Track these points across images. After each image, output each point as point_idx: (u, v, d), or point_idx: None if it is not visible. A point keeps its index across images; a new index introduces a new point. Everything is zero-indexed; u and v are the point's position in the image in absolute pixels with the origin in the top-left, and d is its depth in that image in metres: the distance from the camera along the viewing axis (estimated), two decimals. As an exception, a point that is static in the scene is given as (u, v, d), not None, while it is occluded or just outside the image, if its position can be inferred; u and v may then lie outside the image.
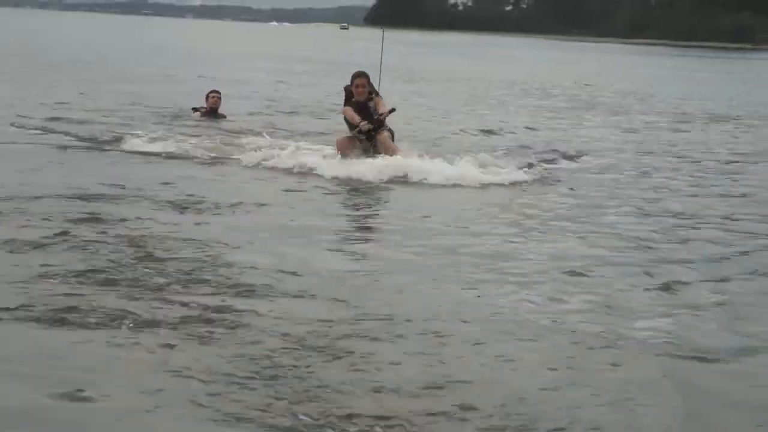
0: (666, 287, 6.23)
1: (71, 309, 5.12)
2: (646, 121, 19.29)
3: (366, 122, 10.91)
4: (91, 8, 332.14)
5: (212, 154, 11.34)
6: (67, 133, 12.57)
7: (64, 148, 11.47)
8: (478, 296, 5.91)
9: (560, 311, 5.64)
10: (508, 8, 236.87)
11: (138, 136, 12.21)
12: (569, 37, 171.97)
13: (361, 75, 11.26)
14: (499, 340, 5.08)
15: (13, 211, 7.49)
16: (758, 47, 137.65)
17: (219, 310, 5.24)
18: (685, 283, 6.35)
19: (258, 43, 69.13)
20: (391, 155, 10.72)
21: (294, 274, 6.14)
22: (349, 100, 11.28)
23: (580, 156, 13.04)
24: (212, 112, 14.99)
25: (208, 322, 5.03)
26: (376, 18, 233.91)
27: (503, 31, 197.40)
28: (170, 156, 11.12)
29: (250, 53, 48.59)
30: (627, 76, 42.75)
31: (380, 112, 11.00)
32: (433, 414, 3.99)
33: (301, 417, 3.90)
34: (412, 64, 41.30)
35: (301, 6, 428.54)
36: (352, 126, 11.06)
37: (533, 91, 28.01)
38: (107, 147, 11.66)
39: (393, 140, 11.15)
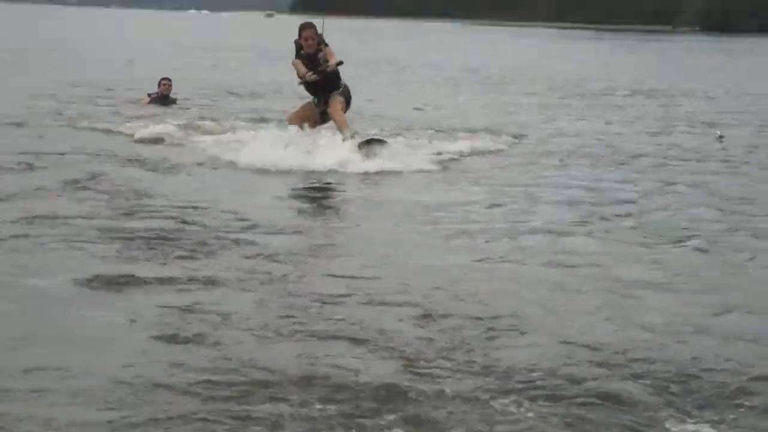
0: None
1: None
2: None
3: (311, 72, 10.93)
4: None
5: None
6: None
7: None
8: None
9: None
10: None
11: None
12: (494, 21, 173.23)
13: (308, 27, 11.26)
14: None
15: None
16: (676, 30, 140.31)
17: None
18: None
19: (183, 33, 68.26)
20: (339, 127, 10.89)
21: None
22: (298, 53, 11.24)
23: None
24: (164, 98, 16.34)
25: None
26: (302, 5, 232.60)
27: (429, 17, 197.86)
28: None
29: (178, 42, 48.29)
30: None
31: (329, 63, 10.98)
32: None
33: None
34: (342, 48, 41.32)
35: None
36: (300, 78, 11.10)
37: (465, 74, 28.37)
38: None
39: (348, 105, 11.27)
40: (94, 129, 12.88)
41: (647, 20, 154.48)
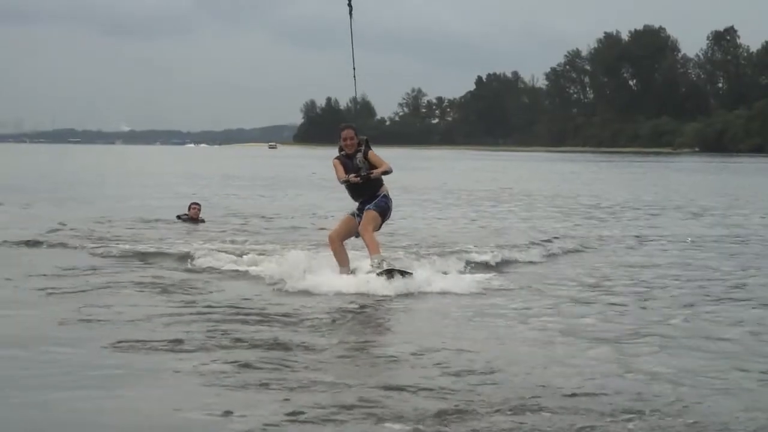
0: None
1: None
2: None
3: (354, 175, 11.17)
4: (19, 139, 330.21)
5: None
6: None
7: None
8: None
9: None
10: (435, 121, 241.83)
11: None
12: (496, 147, 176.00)
13: (347, 127, 11.59)
14: None
15: None
16: (677, 151, 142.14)
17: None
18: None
19: (192, 164, 69.81)
20: (369, 251, 11.13)
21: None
22: (340, 152, 11.54)
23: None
24: (193, 220, 18.64)
25: None
26: (306, 136, 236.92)
27: (431, 144, 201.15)
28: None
29: (190, 173, 50.12)
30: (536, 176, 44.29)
31: (374, 171, 11.25)
32: None
33: None
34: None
35: (230, 127, 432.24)
36: (341, 179, 11.34)
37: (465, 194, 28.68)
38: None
39: (386, 216, 11.43)
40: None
41: (645, 144, 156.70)
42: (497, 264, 13.04)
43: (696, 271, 12.64)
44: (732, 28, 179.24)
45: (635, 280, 11.82)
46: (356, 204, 11.50)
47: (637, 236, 17.31)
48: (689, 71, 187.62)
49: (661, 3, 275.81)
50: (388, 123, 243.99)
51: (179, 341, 7.74)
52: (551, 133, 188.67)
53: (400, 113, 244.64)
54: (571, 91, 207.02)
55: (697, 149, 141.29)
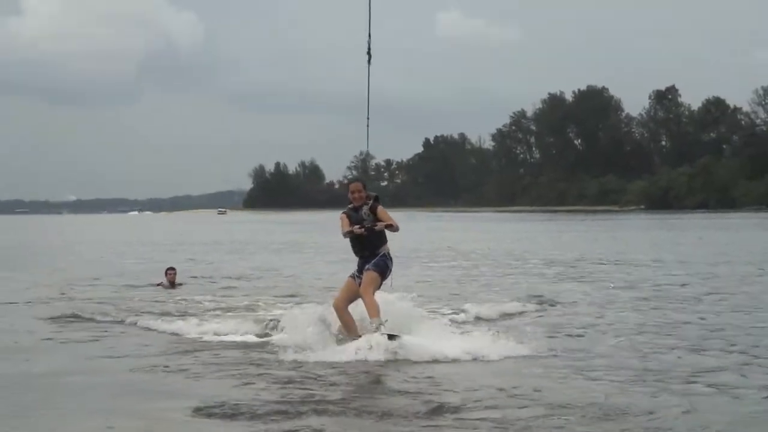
0: None
1: None
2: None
3: (359, 226, 11.32)
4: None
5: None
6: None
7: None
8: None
9: None
10: (383, 183, 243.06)
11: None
12: (446, 208, 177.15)
13: (355, 181, 11.99)
14: None
15: None
16: (623, 209, 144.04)
17: None
18: None
19: (150, 232, 69.91)
20: (368, 313, 11.04)
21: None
22: (347, 206, 11.73)
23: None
24: (171, 284, 19.60)
25: None
26: (255, 201, 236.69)
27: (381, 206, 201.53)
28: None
29: (148, 240, 51.40)
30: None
31: (378, 223, 11.37)
32: None
33: None
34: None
35: (178, 194, 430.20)
36: (346, 231, 11.44)
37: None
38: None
39: (386, 275, 11.42)
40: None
41: (591, 202, 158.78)
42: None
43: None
44: (673, 87, 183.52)
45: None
46: (357, 261, 11.61)
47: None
48: (633, 130, 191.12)
49: (604, 63, 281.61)
50: (336, 186, 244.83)
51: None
52: (500, 193, 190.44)
53: (349, 176, 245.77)
54: (518, 151, 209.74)
55: (642, 207, 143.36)
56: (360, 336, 10.98)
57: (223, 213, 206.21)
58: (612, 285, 19.02)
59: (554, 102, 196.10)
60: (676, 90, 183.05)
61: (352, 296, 11.44)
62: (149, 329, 13.45)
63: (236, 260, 30.69)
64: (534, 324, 13.28)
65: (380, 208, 11.52)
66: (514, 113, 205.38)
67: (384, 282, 11.47)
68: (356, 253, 11.58)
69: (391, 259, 11.54)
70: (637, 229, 60.68)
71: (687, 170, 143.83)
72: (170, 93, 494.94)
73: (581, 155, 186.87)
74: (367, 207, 11.50)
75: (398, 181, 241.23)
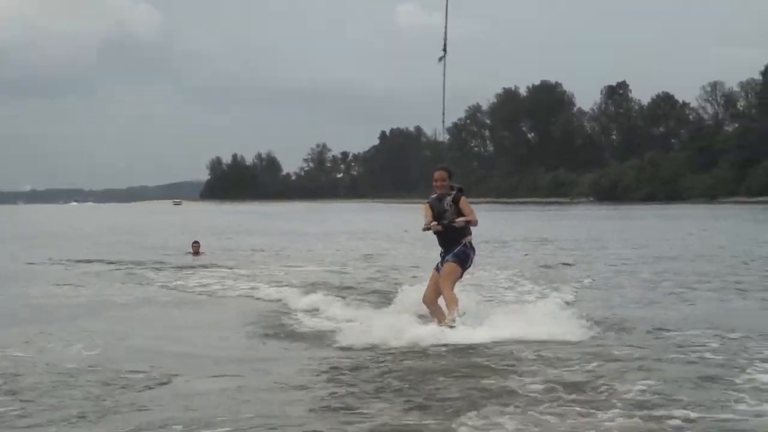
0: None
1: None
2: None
3: (436, 223, 11.13)
4: None
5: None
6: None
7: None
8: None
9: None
10: (339, 175, 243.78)
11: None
12: (399, 199, 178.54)
13: (440, 168, 11.56)
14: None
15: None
16: (574, 201, 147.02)
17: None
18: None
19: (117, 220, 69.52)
20: (447, 304, 10.81)
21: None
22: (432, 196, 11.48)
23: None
24: (197, 253, 25.24)
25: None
26: (212, 192, 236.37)
27: (336, 198, 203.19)
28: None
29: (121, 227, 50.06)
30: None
31: (459, 218, 11.12)
32: None
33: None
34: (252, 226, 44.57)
35: (133, 185, 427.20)
36: (424, 224, 11.31)
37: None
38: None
39: (466, 265, 11.18)
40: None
41: (544, 194, 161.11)
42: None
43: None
44: (624, 82, 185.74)
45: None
46: (440, 251, 11.42)
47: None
48: (585, 124, 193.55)
49: (558, 59, 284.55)
50: (294, 178, 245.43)
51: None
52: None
53: (306, 168, 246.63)
54: (473, 145, 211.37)
55: (591, 198, 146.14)
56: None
57: (179, 204, 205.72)
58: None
59: (508, 96, 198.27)
60: (627, 85, 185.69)
61: (437, 288, 11.21)
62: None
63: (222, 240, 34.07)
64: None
65: (463, 200, 11.24)
66: (469, 107, 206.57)
67: (465, 270, 11.28)
68: (440, 244, 11.38)
69: (473, 248, 11.30)
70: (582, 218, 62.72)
71: (635, 163, 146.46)
72: (127, 84, 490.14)
73: (534, 149, 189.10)
74: (450, 198, 11.25)
75: (354, 173, 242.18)
